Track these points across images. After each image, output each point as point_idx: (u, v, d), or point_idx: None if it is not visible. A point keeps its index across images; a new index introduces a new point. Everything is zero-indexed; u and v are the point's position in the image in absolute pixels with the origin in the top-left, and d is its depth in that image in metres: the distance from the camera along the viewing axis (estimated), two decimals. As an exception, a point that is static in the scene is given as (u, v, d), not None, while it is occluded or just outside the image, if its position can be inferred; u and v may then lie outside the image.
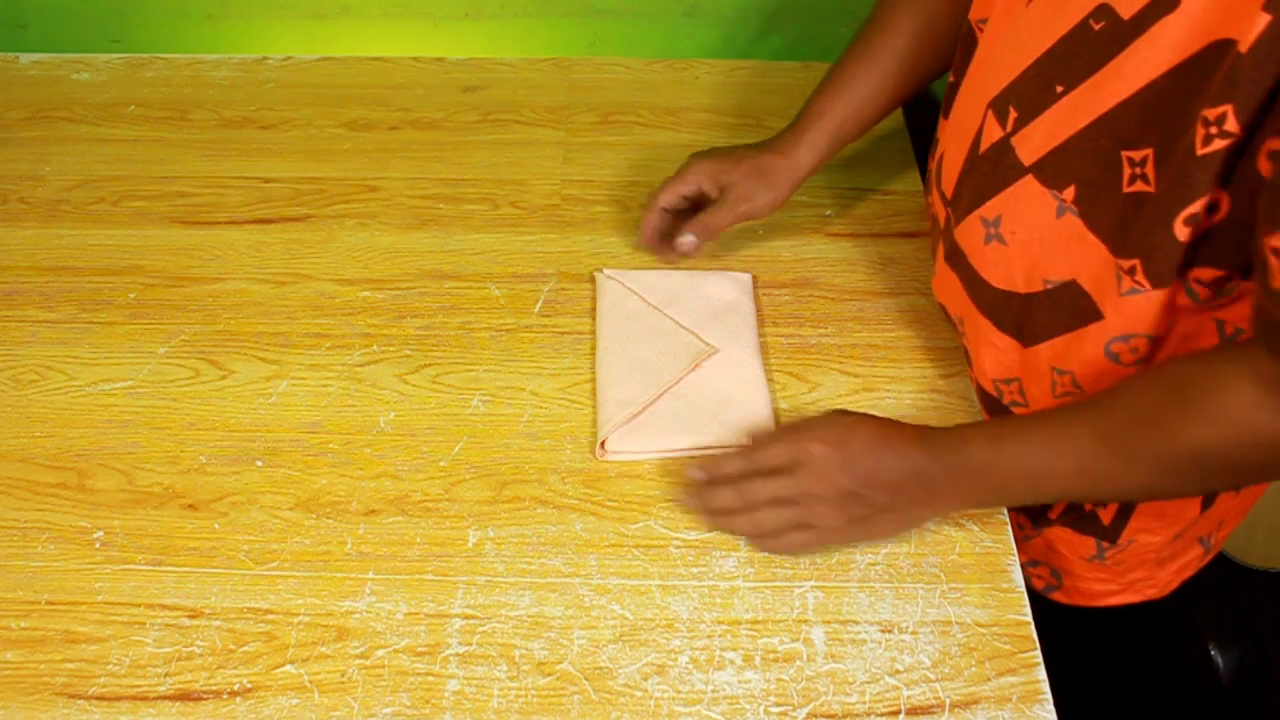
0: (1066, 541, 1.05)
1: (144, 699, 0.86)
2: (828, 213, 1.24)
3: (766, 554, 0.94)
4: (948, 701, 0.86)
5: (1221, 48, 0.72)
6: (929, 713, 0.85)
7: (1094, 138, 0.82)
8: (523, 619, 0.91)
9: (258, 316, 1.14)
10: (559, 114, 1.39)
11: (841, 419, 0.92)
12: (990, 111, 0.91)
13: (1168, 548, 1.04)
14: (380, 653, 0.88)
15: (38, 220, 1.25)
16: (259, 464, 1.01)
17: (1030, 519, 1.06)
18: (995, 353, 0.98)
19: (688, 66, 1.45)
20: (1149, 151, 0.78)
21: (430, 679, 0.87)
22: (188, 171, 1.31)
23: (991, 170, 0.91)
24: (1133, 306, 0.84)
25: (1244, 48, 0.70)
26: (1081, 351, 0.90)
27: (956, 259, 0.99)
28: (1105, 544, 1.03)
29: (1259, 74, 0.70)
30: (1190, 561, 1.08)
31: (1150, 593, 1.08)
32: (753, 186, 1.10)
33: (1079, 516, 1.03)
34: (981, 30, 0.97)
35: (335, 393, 1.07)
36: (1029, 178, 0.87)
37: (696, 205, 1.14)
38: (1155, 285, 0.82)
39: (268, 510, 0.98)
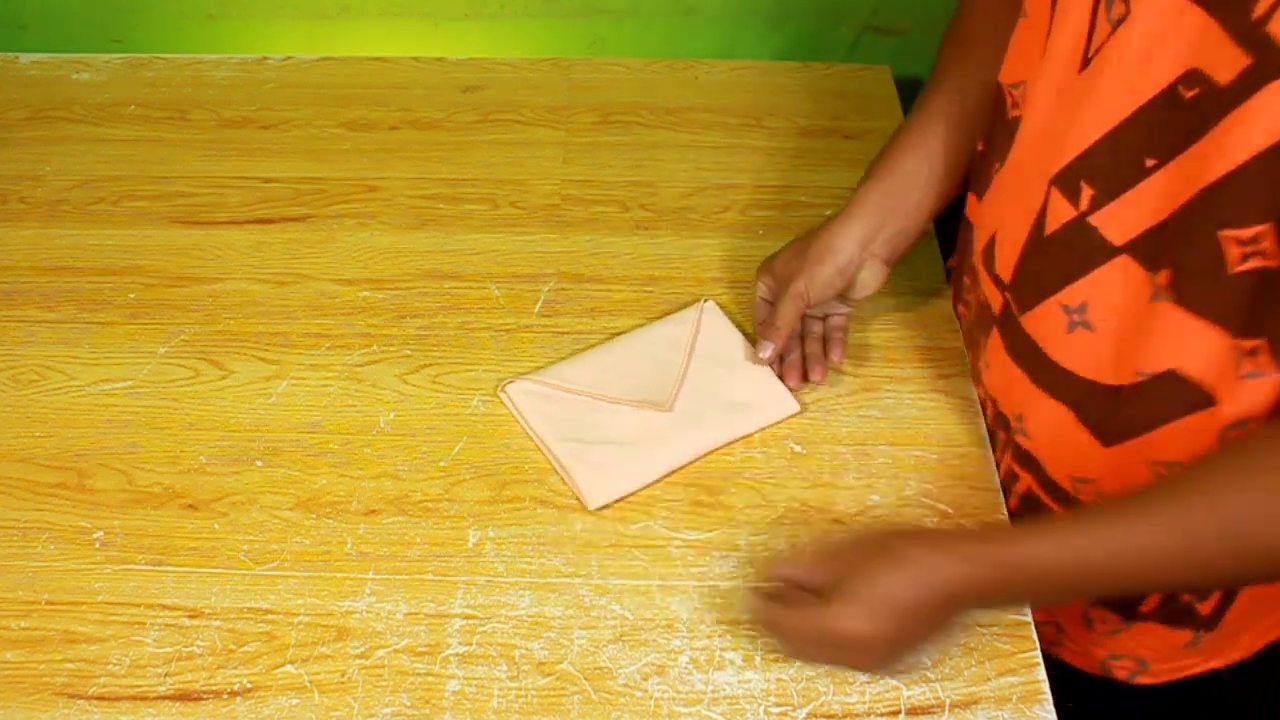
0: (1157, 636, 0.99)
1: (144, 699, 0.86)
2: (828, 213, 1.24)
3: (767, 554, 0.94)
4: (948, 701, 0.86)
5: None
6: (929, 713, 0.85)
7: (1194, 216, 0.74)
8: (523, 619, 0.91)
9: (258, 316, 1.14)
10: (559, 114, 1.39)
11: (885, 551, 0.81)
12: (1054, 188, 0.84)
13: (1266, 619, 0.98)
14: (380, 653, 0.88)
15: (38, 220, 1.25)
16: (259, 464, 1.01)
17: (1119, 615, 0.99)
18: (1072, 451, 0.91)
19: (688, 66, 1.45)
20: (1263, 228, 0.71)
21: (430, 679, 0.87)
22: (188, 171, 1.31)
23: (1067, 253, 0.84)
24: (1254, 390, 0.77)
25: None
26: (1189, 442, 0.82)
27: (1023, 350, 0.92)
28: (1202, 632, 0.97)
29: None
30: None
31: (1236, 656, 1.01)
32: (795, 266, 1.04)
33: (1173, 611, 0.96)
34: (1016, 96, 0.91)
35: (335, 393, 1.07)
36: (1122, 259, 0.80)
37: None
38: None
39: (268, 510, 0.98)
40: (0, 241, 1.22)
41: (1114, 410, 0.86)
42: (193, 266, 1.19)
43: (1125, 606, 0.98)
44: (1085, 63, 0.80)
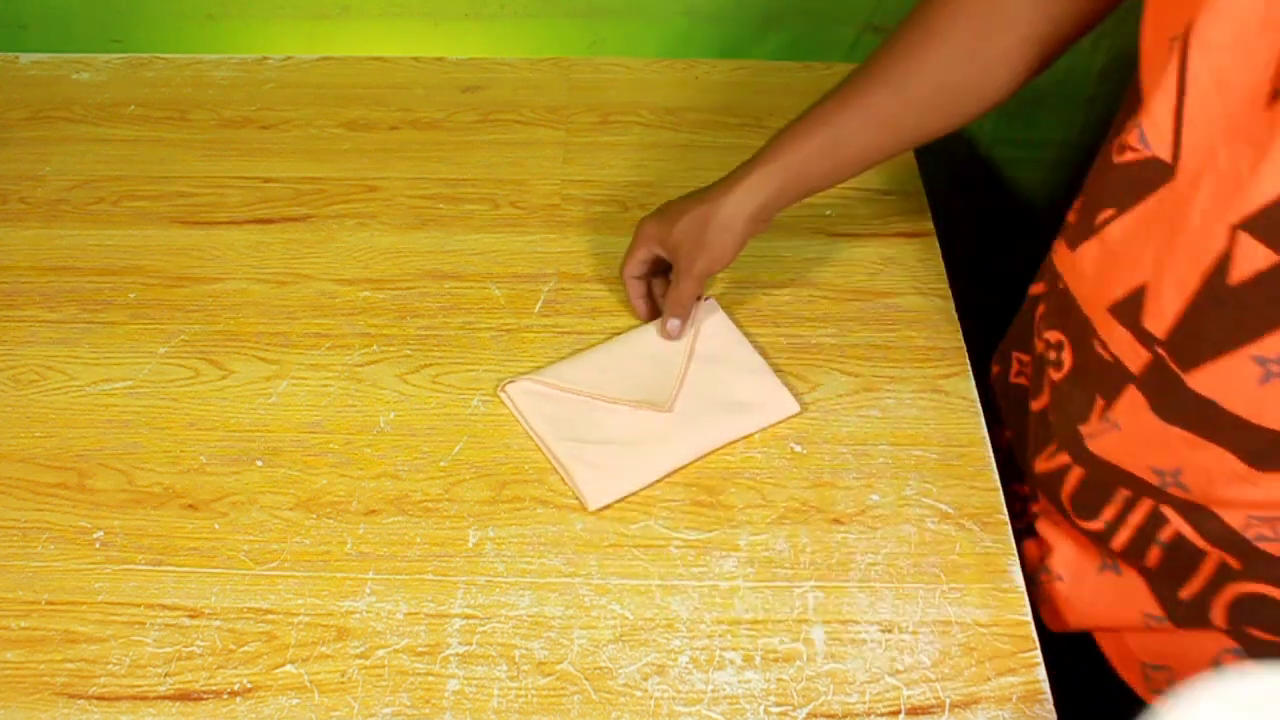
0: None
1: (144, 699, 0.86)
2: (828, 213, 1.24)
3: (767, 553, 0.94)
4: (948, 701, 0.86)
5: None
6: (929, 712, 0.85)
7: None
8: (523, 619, 0.91)
9: (258, 316, 1.14)
10: (559, 114, 1.39)
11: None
12: (1243, 234, 0.75)
13: None
14: (380, 653, 0.88)
15: (38, 220, 1.25)
16: (259, 464, 1.01)
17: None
18: (1238, 495, 0.84)
19: (688, 66, 1.45)
20: None
21: (430, 679, 0.87)
22: (188, 171, 1.31)
23: (1261, 302, 0.77)
24: None
25: None
26: None
27: (1190, 409, 0.84)
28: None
29: None
30: None
31: None
32: (694, 244, 1.04)
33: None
34: (1129, 140, 0.84)
35: (335, 393, 1.07)
36: None
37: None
38: None
39: (268, 510, 0.98)
40: (0, 241, 1.22)
41: None
42: (193, 266, 1.19)
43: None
44: (1275, 95, 0.73)
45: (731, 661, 0.88)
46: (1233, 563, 0.87)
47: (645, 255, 1.09)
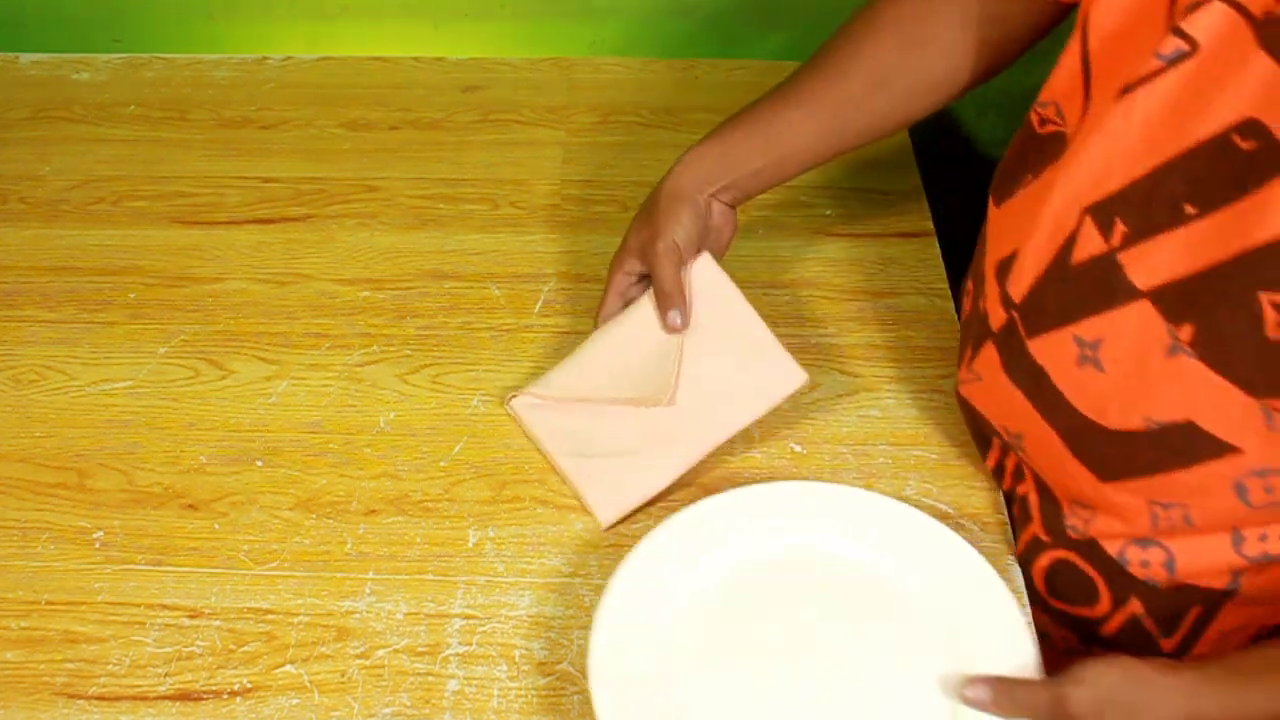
0: None
1: (144, 699, 0.86)
2: (827, 213, 1.24)
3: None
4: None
5: None
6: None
7: (1231, 275, 0.71)
8: (522, 619, 0.91)
9: (258, 316, 1.14)
10: (559, 114, 1.39)
11: (1102, 681, 0.77)
12: (1089, 217, 0.80)
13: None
14: (380, 653, 0.89)
15: (38, 220, 1.25)
16: (259, 464, 1.01)
17: (1079, 636, 0.96)
18: (1070, 479, 0.88)
19: (688, 66, 1.46)
20: None
21: (430, 679, 0.87)
22: (187, 171, 1.31)
23: (1089, 285, 0.81)
24: None
25: None
26: (1198, 487, 0.79)
27: (1027, 375, 0.88)
28: None
29: None
30: None
31: None
32: (650, 229, 1.01)
33: (1135, 642, 0.92)
34: (1046, 114, 0.88)
35: (335, 393, 1.07)
36: (1143, 304, 0.77)
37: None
38: None
39: (268, 510, 0.98)
40: (0, 241, 1.22)
41: (1113, 451, 0.83)
42: (193, 266, 1.19)
43: (1085, 625, 0.94)
44: (1125, 90, 0.77)
45: (731, 661, 0.88)
46: (1043, 536, 0.93)
47: (622, 283, 1.04)
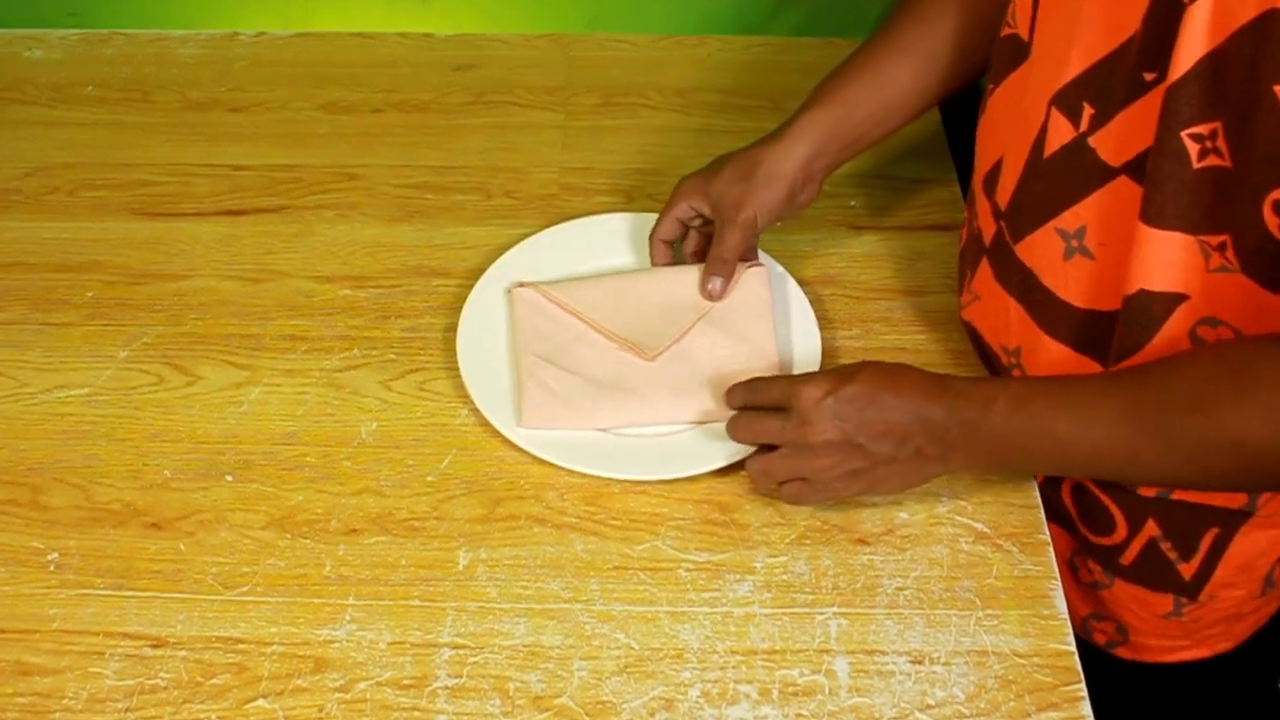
0: (1139, 599, 1.03)
1: (103, 736, 0.86)
2: (852, 203, 1.24)
3: (786, 577, 0.94)
4: (984, 740, 0.86)
5: (1275, 17, 0.71)
6: (963, 752, 0.85)
7: (1161, 121, 0.79)
8: (518, 649, 0.91)
9: (227, 317, 1.14)
10: (558, 95, 1.39)
11: (849, 365, 0.92)
12: (1054, 108, 0.88)
13: (1250, 602, 1.03)
14: (361, 685, 0.89)
15: (-13, 212, 1.26)
16: (229, 479, 1.02)
17: (1102, 566, 1.04)
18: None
19: (699, 43, 1.46)
20: (1216, 124, 0.76)
21: (416, 714, 0.87)
22: (151, 158, 1.31)
23: (1063, 176, 0.88)
24: (1222, 287, 0.81)
25: None
26: (1166, 352, 0.87)
27: (1016, 279, 0.96)
28: (1184, 600, 1.01)
29: None
30: (1267, 611, 1.07)
31: (1223, 646, 1.07)
32: (741, 191, 1.07)
33: (1156, 569, 1.00)
34: (1007, 15, 0.95)
35: (312, 401, 1.07)
36: (1121, 180, 0.84)
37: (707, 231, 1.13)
38: (1244, 265, 0.79)
39: (238, 529, 0.98)
40: (-54, 235, 1.23)
41: (1112, 336, 0.89)
42: (156, 262, 1.19)
43: (1106, 555, 1.03)
44: None
45: (747, 695, 0.88)
46: None
47: (684, 213, 1.10)
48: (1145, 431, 0.82)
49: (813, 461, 0.90)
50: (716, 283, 1.08)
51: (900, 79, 1.07)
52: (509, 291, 1.12)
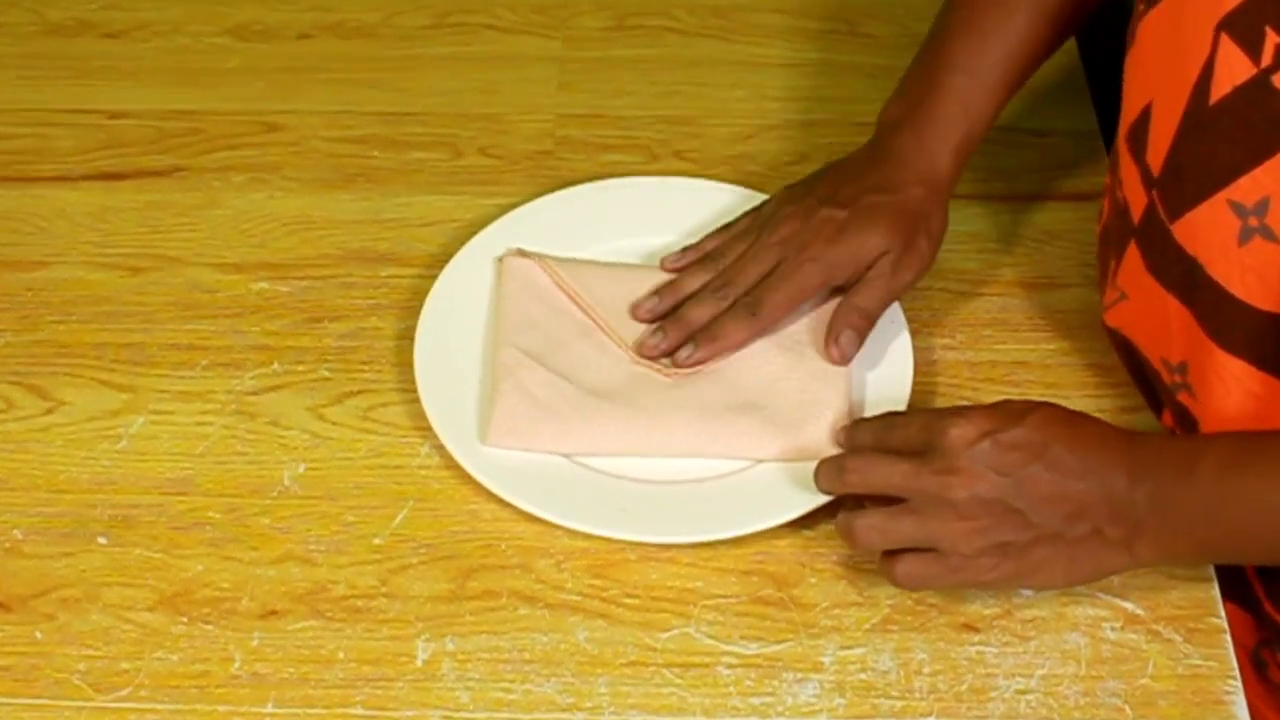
0: None
1: None
2: (955, 163, 1.25)
3: (864, 676, 0.94)
4: None
5: None
6: None
7: None
8: (498, 775, 0.91)
9: (100, 320, 1.15)
10: (552, 15, 1.39)
11: (1014, 403, 0.92)
12: (1224, 34, 0.85)
13: None
14: (284, 825, 0.89)
15: None
16: (101, 541, 1.02)
17: None
18: (1254, 402, 0.94)
19: (744, -58, 1.46)
20: None
21: None
22: (-4, 102, 1.32)
23: (1237, 128, 0.87)
24: None
25: None
26: None
27: (1176, 271, 0.95)
28: None
29: None
30: None
31: None
32: (899, 253, 1.07)
33: None
34: None
35: (216, 435, 1.07)
36: None
37: None
38: None
39: (115, 611, 0.98)
40: None
41: None
42: (3, 244, 1.20)
43: None
44: None
45: (811, 839, 0.89)
46: None
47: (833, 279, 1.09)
48: None
49: (952, 523, 0.89)
50: (853, 341, 1.06)
51: (1026, 31, 1.09)
52: (499, 260, 1.13)
